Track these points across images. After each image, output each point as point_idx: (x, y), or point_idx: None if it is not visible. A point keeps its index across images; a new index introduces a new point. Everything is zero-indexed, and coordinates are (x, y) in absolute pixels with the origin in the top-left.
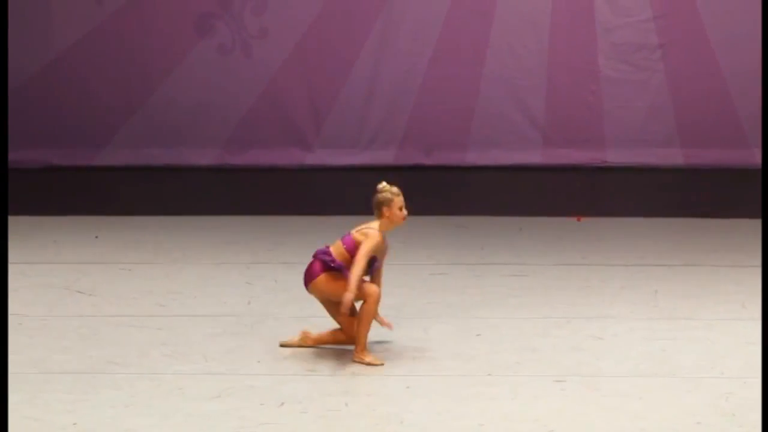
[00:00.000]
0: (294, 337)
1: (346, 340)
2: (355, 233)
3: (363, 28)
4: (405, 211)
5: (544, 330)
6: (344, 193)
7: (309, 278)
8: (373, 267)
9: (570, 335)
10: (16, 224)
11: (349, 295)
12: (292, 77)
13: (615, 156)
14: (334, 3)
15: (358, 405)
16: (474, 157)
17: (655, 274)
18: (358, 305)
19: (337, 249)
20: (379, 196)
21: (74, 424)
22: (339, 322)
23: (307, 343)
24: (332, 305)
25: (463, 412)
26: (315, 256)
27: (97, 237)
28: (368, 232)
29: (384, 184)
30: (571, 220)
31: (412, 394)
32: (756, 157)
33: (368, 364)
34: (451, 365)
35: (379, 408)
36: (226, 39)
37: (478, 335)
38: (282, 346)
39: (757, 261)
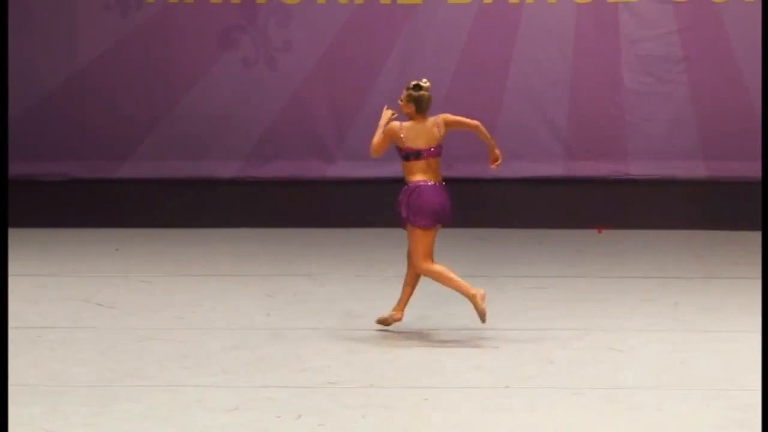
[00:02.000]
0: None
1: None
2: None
3: (387, 40)
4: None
5: (564, 342)
6: (366, 205)
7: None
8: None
9: (589, 347)
10: (38, 236)
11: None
12: (316, 90)
13: (638, 168)
14: (357, 16)
15: (376, 418)
16: (495, 170)
17: (675, 286)
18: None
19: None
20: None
21: None
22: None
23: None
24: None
25: (480, 424)
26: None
27: (118, 249)
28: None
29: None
30: (592, 233)
31: (431, 407)
32: None
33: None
34: (469, 377)
35: (397, 421)
36: (250, 51)
37: (496, 347)
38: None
39: None
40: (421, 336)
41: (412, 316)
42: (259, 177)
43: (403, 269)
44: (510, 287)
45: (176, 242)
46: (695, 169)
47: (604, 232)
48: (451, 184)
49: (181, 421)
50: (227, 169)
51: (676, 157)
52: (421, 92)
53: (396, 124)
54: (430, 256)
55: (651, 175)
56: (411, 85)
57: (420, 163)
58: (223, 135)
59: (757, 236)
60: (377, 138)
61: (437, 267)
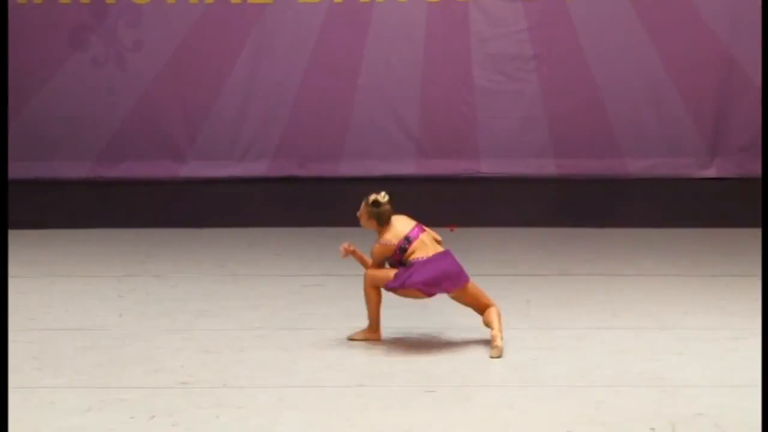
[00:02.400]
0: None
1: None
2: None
3: (238, 40)
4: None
5: (416, 340)
6: (218, 204)
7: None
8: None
9: (441, 345)
10: None
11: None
12: (166, 89)
13: (489, 166)
14: (208, 15)
15: (229, 417)
16: (348, 168)
17: (527, 283)
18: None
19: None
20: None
21: None
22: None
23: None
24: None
25: (334, 422)
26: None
27: None
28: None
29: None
30: (444, 231)
31: (284, 406)
32: (628, 167)
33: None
34: (322, 376)
35: (250, 420)
36: (99, 51)
37: (350, 347)
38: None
39: (629, 270)
40: (274, 336)
41: (262, 317)
42: (109, 177)
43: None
44: (361, 285)
45: (26, 244)
46: (546, 167)
47: (457, 230)
48: (304, 183)
49: (34, 422)
50: (77, 170)
51: (527, 155)
52: (381, 208)
53: (378, 248)
54: (378, 288)
55: (502, 173)
56: (369, 201)
57: (415, 244)
58: (73, 135)
59: (606, 233)
60: (374, 267)
61: (375, 296)
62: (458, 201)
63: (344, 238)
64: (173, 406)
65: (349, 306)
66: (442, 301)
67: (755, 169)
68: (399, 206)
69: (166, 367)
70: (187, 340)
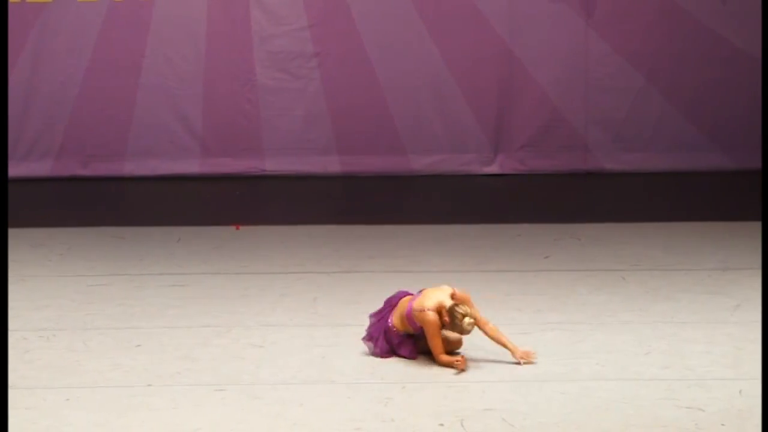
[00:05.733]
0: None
1: None
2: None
3: (17, 40)
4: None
5: (205, 339)
6: None
7: None
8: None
9: (230, 344)
10: None
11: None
12: None
13: (273, 164)
14: None
15: (18, 419)
16: (132, 168)
17: (314, 281)
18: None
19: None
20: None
21: None
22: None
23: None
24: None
25: (123, 423)
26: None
27: None
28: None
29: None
30: (230, 229)
31: (72, 407)
32: (412, 164)
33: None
34: (111, 376)
35: (38, 421)
36: None
37: (138, 346)
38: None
39: (415, 267)
40: (61, 336)
41: (48, 318)
42: None
43: None
44: (149, 285)
45: None
46: (330, 165)
47: (242, 228)
48: (89, 183)
49: None
50: None
51: (311, 153)
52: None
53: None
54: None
55: (287, 171)
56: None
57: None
58: None
59: (391, 230)
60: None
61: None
62: (243, 199)
63: (129, 239)
64: None
65: (134, 306)
66: (226, 298)
67: (536, 165)
68: (184, 205)
69: None
70: None
